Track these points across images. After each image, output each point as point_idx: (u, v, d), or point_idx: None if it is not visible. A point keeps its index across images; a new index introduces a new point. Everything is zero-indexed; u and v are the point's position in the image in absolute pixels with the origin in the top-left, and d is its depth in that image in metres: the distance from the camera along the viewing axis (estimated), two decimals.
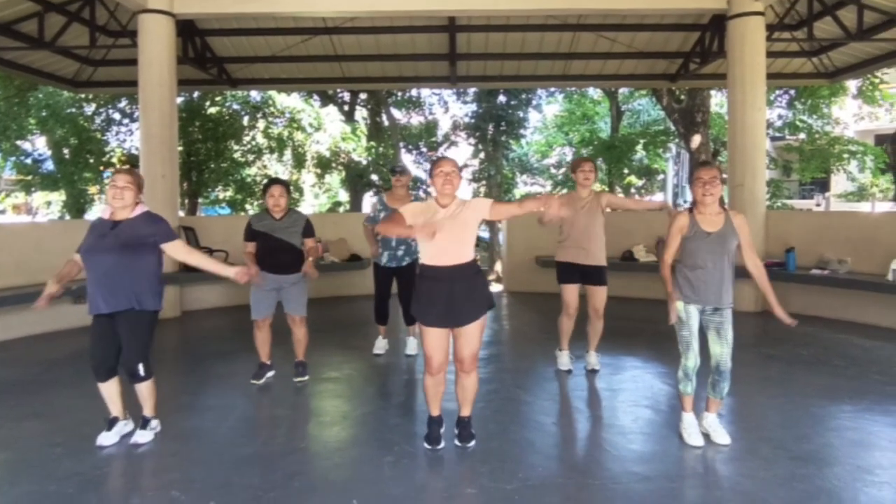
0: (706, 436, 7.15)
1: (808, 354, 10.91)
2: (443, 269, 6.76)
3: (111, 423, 7.29)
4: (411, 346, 11.19)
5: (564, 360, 10.00)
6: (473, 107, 34.50)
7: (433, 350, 6.88)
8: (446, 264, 6.77)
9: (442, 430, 7.20)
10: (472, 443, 7.09)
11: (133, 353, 7.12)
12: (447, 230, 6.67)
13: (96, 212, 31.56)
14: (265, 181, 9.97)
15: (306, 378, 9.69)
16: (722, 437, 7.08)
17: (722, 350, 6.97)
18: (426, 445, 7.02)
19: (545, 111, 43.33)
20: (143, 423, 7.36)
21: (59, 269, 7.27)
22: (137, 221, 7.09)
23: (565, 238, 9.67)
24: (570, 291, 9.76)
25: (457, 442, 7.10)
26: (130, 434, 7.33)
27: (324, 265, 16.09)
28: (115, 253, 6.95)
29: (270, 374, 9.70)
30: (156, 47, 14.12)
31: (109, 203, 6.94)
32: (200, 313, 14.94)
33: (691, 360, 6.97)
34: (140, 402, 7.33)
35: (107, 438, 7.13)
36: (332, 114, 31.46)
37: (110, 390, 7.25)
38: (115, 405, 7.33)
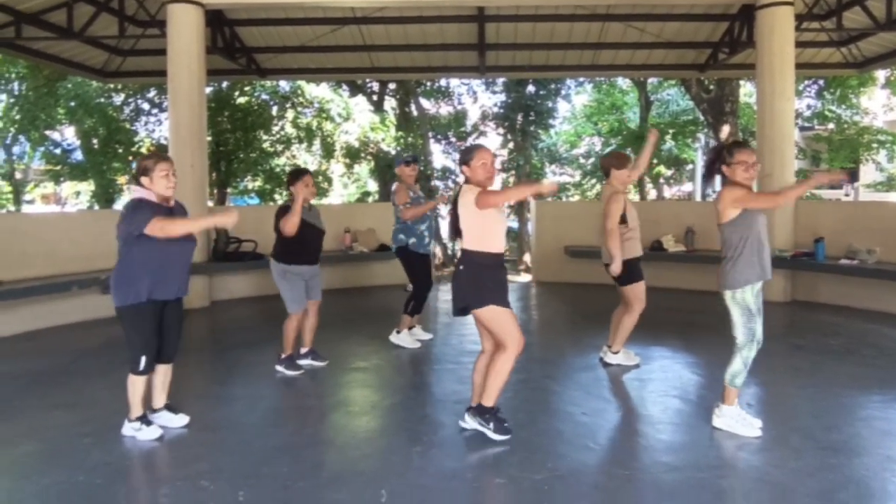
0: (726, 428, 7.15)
1: (836, 344, 10.87)
2: (501, 255, 6.84)
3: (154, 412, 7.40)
4: (425, 334, 11.43)
5: (632, 354, 9.86)
6: (502, 97, 34.48)
7: (517, 324, 6.84)
8: (502, 251, 6.86)
9: None
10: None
11: (180, 335, 7.39)
12: (502, 217, 6.77)
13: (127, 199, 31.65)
14: (291, 170, 9.91)
15: (328, 360, 9.83)
16: (754, 420, 7.10)
17: (761, 328, 7.00)
18: (500, 437, 6.87)
19: (574, 101, 43.21)
20: (173, 408, 7.47)
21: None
22: (179, 207, 7.18)
23: (631, 233, 9.40)
24: (644, 288, 9.54)
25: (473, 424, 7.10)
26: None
27: (352, 255, 16.27)
28: (187, 241, 7.05)
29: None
30: (185, 37, 14.14)
31: (162, 192, 6.87)
32: (229, 303, 14.99)
33: (754, 350, 6.94)
34: (164, 388, 7.43)
35: (156, 430, 7.16)
36: (360, 104, 31.53)
37: (156, 379, 7.33)
38: (161, 394, 7.45)
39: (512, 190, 6.42)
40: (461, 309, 6.78)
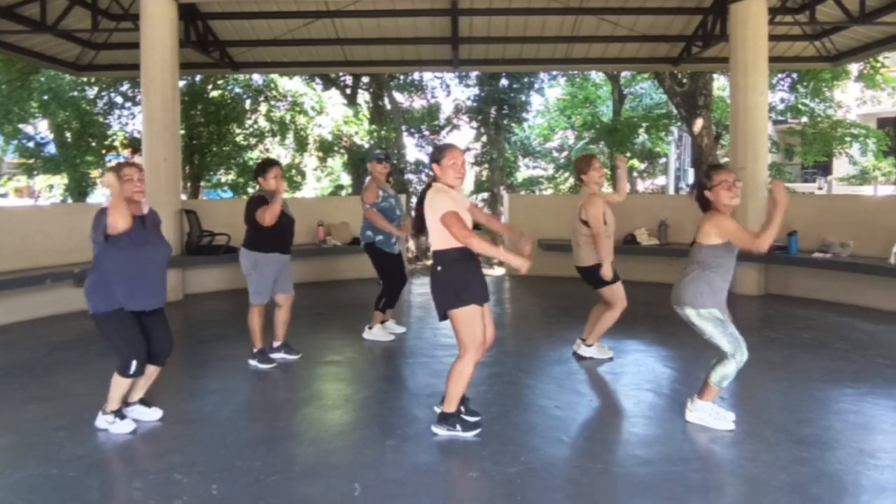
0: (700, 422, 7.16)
1: (810, 338, 10.91)
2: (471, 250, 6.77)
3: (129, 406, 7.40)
4: (398, 327, 11.50)
5: (605, 348, 9.87)
6: (476, 90, 34.63)
7: (483, 330, 6.81)
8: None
9: None
10: None
11: (171, 338, 7.44)
12: (466, 213, 6.73)
13: (98, 196, 31.63)
14: (259, 162, 9.93)
15: (301, 354, 9.87)
16: (727, 413, 7.16)
17: None
18: (472, 433, 6.89)
19: (547, 95, 43.58)
20: (147, 402, 7.48)
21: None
22: (153, 215, 7.17)
23: (606, 234, 9.37)
24: (621, 287, 9.46)
25: (472, 419, 7.10)
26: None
27: (325, 248, 16.26)
28: (162, 246, 7.12)
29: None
30: (158, 31, 14.11)
31: (128, 197, 6.78)
32: (202, 296, 14.94)
33: (746, 353, 6.95)
34: (144, 386, 7.43)
35: (130, 424, 7.14)
36: (334, 97, 31.44)
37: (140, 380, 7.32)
38: (140, 391, 7.45)
39: (479, 241, 6.40)
40: (445, 312, 6.78)
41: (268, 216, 8.86)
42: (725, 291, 6.95)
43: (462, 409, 7.05)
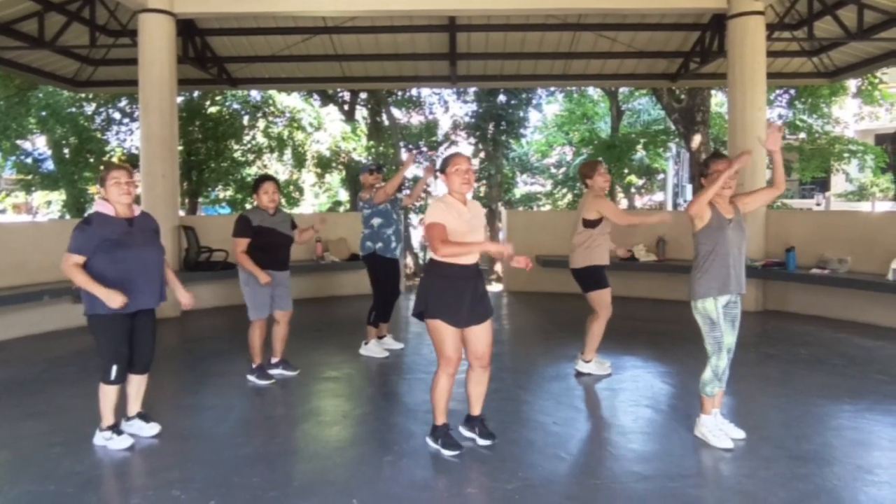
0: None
1: (807, 354, 10.89)
2: (468, 267, 6.74)
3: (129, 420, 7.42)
4: (396, 344, 11.45)
5: (605, 364, 9.81)
6: (473, 106, 34.58)
7: (455, 349, 6.74)
8: (471, 263, 6.77)
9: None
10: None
11: (153, 346, 7.33)
12: (474, 228, 6.75)
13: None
14: (256, 178, 9.96)
15: (299, 370, 9.85)
16: (735, 430, 7.14)
17: (734, 339, 7.08)
18: (449, 453, 6.82)
19: (545, 111, 43.33)
20: (147, 417, 7.45)
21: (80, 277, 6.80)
22: (143, 217, 7.16)
23: (602, 240, 9.38)
24: (609, 295, 9.49)
25: (481, 440, 7.09)
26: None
27: (323, 265, 16.28)
28: (150, 247, 7.07)
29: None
30: (156, 47, 14.14)
31: (116, 200, 6.85)
32: (200, 312, 14.80)
33: (723, 360, 6.97)
34: (137, 397, 7.40)
35: (127, 440, 7.13)
36: (332, 113, 31.49)
37: (130, 388, 7.32)
38: (135, 402, 7.44)
39: (450, 247, 6.32)
40: (419, 313, 6.81)
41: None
42: (732, 273, 6.94)
43: (478, 426, 7.17)
